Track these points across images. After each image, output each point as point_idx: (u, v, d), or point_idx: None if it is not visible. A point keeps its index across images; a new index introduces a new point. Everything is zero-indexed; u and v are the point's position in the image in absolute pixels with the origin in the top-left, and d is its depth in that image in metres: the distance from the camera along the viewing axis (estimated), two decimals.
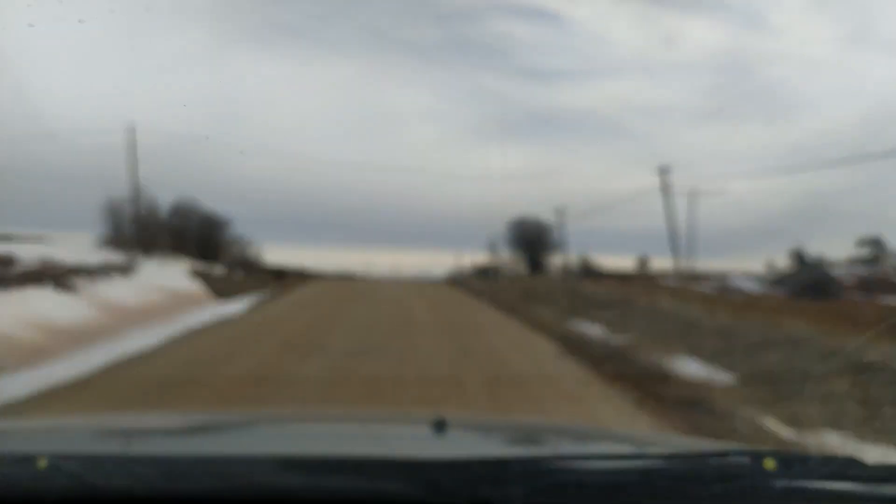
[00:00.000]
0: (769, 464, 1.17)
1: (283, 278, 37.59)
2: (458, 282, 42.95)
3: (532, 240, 51.98)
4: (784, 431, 5.69)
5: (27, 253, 17.66)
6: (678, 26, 59.82)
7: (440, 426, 1.66)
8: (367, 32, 63.22)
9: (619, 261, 48.50)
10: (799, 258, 27.35)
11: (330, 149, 76.57)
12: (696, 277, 28.53)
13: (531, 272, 49.05)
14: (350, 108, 71.72)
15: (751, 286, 27.22)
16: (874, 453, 4.88)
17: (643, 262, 48.01)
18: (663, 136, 61.29)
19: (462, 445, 1.78)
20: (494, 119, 70.98)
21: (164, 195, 38.38)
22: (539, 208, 65.75)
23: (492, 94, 65.48)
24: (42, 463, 1.11)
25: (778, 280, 25.42)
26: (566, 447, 1.99)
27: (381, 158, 77.38)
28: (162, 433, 1.96)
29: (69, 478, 1.10)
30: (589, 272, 40.18)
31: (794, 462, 1.20)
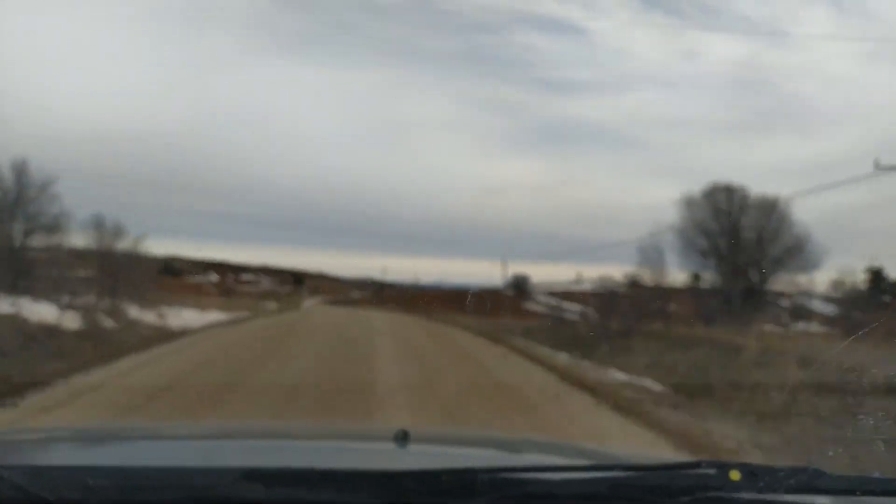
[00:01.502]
0: (735, 475, 1.18)
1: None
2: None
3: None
4: None
5: None
6: (699, 39, 58.44)
7: (403, 438, 1.63)
8: (389, 43, 62.40)
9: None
10: (875, 276, 25.36)
11: (350, 156, 75.73)
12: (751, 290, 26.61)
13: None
14: (371, 117, 71.01)
15: (822, 307, 25.30)
16: None
17: (696, 277, 46.09)
18: (683, 149, 59.76)
19: (426, 457, 1.75)
20: (514, 130, 69.83)
21: None
22: (557, 220, 64.46)
23: (512, 105, 64.39)
24: None
25: (854, 301, 23.42)
26: (532, 459, 1.95)
27: (400, 167, 76.49)
28: (122, 443, 1.88)
29: (13, 489, 1.04)
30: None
31: (761, 474, 1.20)
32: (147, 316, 18.84)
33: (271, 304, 41.94)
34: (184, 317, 21.07)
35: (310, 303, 58.48)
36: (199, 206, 72.54)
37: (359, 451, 1.88)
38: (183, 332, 17.19)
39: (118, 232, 23.83)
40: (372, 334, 19.12)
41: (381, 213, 79.44)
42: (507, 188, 73.44)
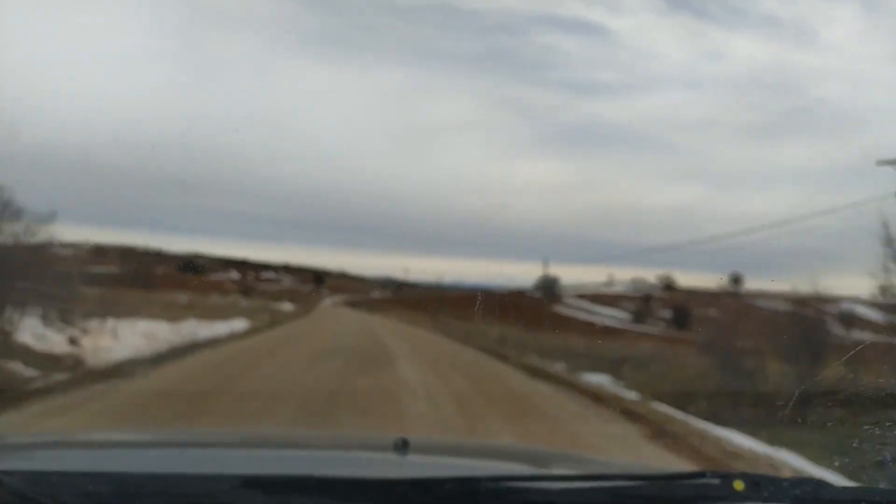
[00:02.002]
0: (739, 485, 1.17)
1: None
2: None
3: None
4: None
5: None
6: (724, 41, 57.17)
7: (403, 446, 1.61)
8: (412, 44, 61.90)
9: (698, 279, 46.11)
10: None
11: (373, 157, 75.43)
12: (802, 301, 25.37)
13: None
14: (393, 118, 70.65)
15: (867, 313, 24.01)
16: None
17: (736, 281, 44.38)
18: (707, 151, 58.42)
19: (426, 465, 1.74)
20: (536, 131, 69.02)
21: None
22: (582, 221, 63.42)
23: (534, 106, 63.65)
24: None
25: None
26: (534, 468, 1.93)
27: (422, 168, 76.12)
28: (122, 449, 1.88)
29: (13, 495, 1.05)
30: None
31: (764, 484, 1.18)
32: (54, 339, 12.15)
33: (285, 306, 40.15)
34: (126, 337, 13.94)
35: (328, 302, 58.20)
36: (222, 205, 72.50)
37: (358, 459, 1.86)
38: (75, 379, 9.69)
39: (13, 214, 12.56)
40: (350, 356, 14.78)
41: (404, 214, 79.09)
42: (529, 189, 72.67)
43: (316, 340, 19.75)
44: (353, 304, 55.28)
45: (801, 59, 52.93)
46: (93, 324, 13.75)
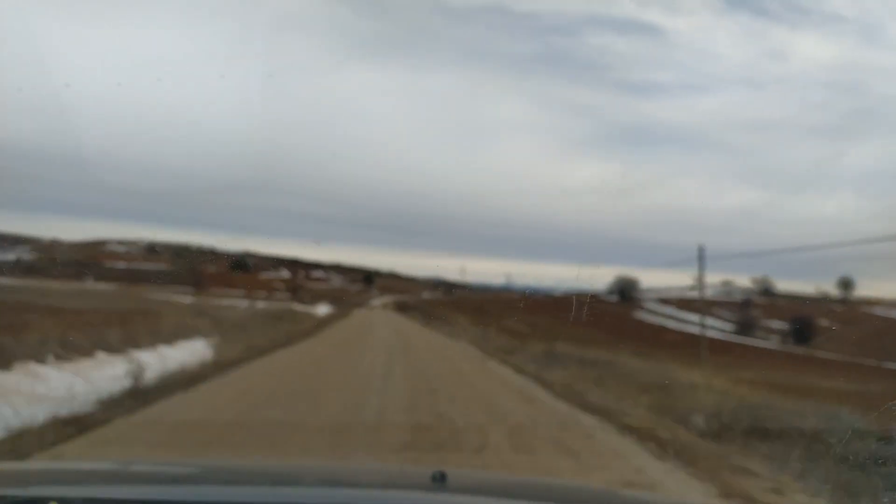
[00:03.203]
0: None
1: None
2: None
3: None
4: None
5: None
6: (786, 39, 55.84)
7: (440, 479, 1.65)
8: (466, 46, 63.16)
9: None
10: None
11: (427, 158, 77.31)
12: None
13: None
14: (446, 119, 72.03)
15: None
16: None
17: (846, 286, 39.39)
18: (767, 152, 57.45)
19: (463, 499, 1.75)
20: (590, 132, 69.23)
21: None
22: (637, 224, 63.30)
23: (588, 107, 63.99)
24: None
25: None
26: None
27: (475, 168, 77.43)
28: (168, 478, 1.93)
29: None
30: None
31: None
32: None
33: (319, 309, 37.23)
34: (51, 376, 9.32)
35: (377, 303, 59.20)
36: (278, 204, 75.72)
37: (395, 491, 1.87)
38: None
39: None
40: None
41: (455, 214, 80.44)
42: (582, 190, 72.92)
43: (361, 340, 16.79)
44: (402, 308, 48.22)
45: (866, 56, 51.55)
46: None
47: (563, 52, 63.18)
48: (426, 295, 70.17)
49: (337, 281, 69.33)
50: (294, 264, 65.29)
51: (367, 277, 73.37)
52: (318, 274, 69.50)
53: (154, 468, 2.16)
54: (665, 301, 52.06)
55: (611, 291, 44.17)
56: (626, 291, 44.88)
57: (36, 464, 3.61)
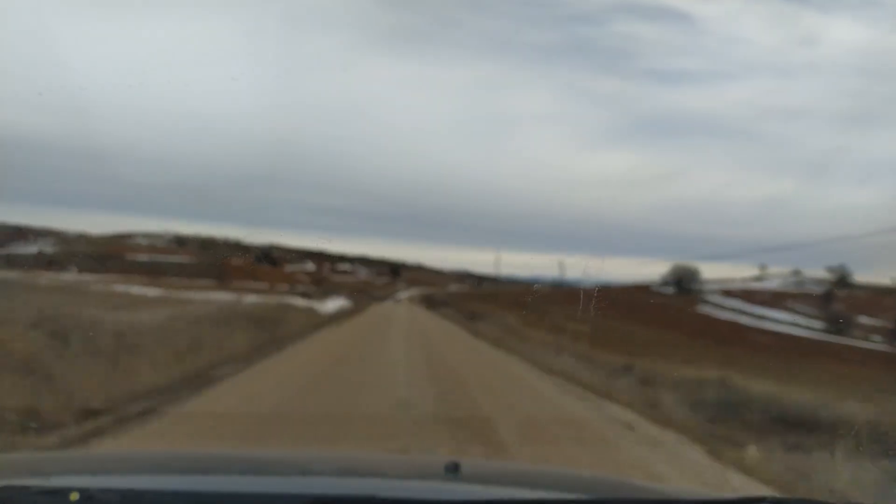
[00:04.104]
0: None
1: None
2: None
3: None
4: None
5: None
6: (817, 25, 53.54)
7: (454, 469, 1.65)
8: (490, 37, 61.74)
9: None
10: None
11: (451, 150, 76.08)
12: None
13: None
14: (472, 111, 70.85)
15: None
16: None
17: None
18: (798, 141, 55.22)
19: (477, 488, 1.74)
20: (616, 122, 67.49)
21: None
22: (665, 214, 61.23)
23: (613, 96, 62.26)
24: (74, 496, 1.11)
25: None
26: (589, 496, 1.87)
27: (500, 160, 76.04)
28: (193, 469, 1.90)
29: None
30: None
31: None
32: None
33: (328, 305, 29.21)
34: None
35: (403, 295, 58.47)
36: (303, 198, 74.94)
37: (408, 480, 1.88)
38: None
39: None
40: None
41: (482, 207, 79.20)
42: (609, 181, 71.21)
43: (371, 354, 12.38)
44: (430, 304, 42.46)
45: None
46: None
47: (587, 42, 61.55)
48: (453, 287, 69.23)
49: (363, 273, 68.55)
50: (320, 257, 64.80)
51: (394, 270, 72.55)
52: (343, 266, 68.79)
53: (171, 458, 2.14)
54: (728, 293, 47.16)
55: (665, 283, 39.80)
56: (684, 283, 40.07)
57: (57, 454, 3.58)
